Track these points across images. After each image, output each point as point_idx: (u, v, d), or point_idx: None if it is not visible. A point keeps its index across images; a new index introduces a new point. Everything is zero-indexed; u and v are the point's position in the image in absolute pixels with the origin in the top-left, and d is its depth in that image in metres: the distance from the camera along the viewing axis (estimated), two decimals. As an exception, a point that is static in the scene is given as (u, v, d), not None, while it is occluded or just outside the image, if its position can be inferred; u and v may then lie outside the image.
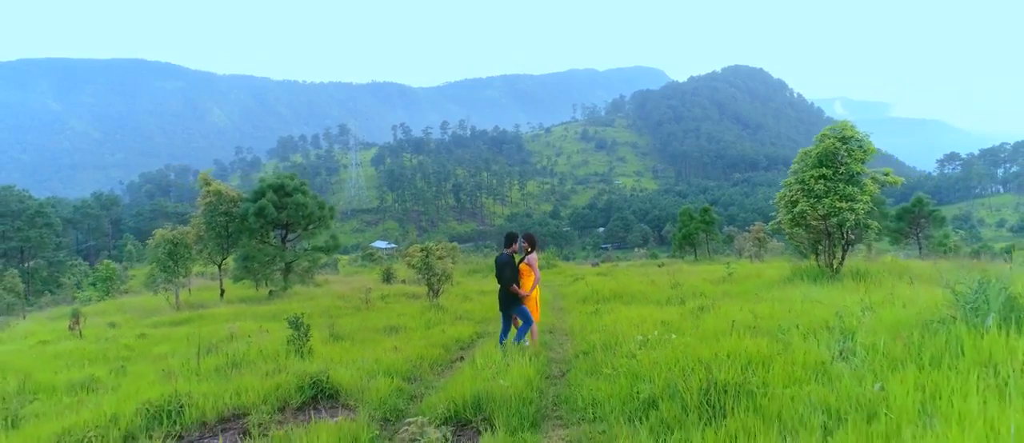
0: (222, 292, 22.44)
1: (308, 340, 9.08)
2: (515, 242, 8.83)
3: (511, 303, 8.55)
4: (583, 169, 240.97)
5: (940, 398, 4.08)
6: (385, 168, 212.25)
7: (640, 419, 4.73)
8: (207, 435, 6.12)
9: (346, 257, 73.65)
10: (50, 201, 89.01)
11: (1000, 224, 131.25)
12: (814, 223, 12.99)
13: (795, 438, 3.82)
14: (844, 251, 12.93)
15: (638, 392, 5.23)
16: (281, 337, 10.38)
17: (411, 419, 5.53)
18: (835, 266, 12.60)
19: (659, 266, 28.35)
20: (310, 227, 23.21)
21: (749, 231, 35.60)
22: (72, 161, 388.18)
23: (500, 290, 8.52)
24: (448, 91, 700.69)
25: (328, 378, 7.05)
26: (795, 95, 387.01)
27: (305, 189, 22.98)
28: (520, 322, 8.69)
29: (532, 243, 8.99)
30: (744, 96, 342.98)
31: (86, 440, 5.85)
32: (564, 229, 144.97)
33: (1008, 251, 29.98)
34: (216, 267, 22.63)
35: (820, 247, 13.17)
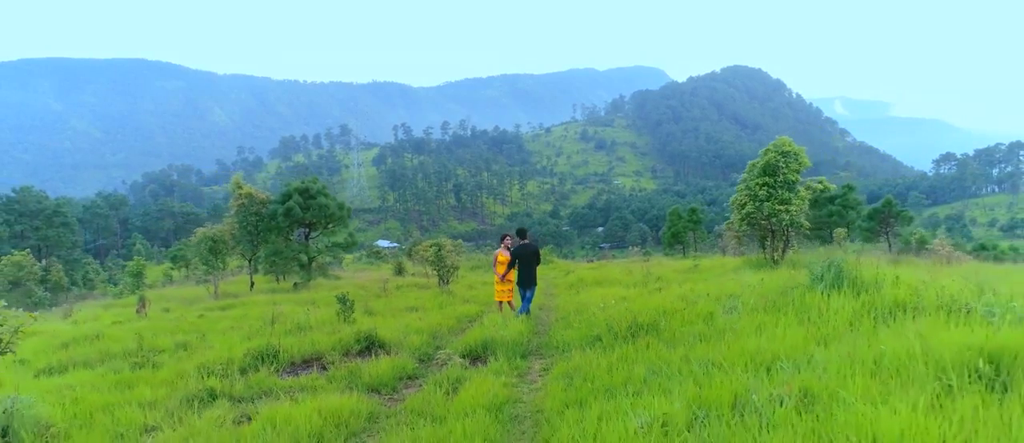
0: (252, 284, 25.13)
1: (353, 312, 11.77)
2: (527, 235, 11.65)
3: (533, 282, 11.22)
4: (583, 169, 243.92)
5: (766, 327, 6.76)
6: (386, 168, 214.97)
7: (590, 346, 7.42)
8: (299, 368, 8.80)
9: (350, 256, 76.28)
10: (61, 201, 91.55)
11: (992, 224, 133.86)
12: (762, 223, 15.68)
13: (675, 346, 6.51)
14: (785, 245, 15.60)
15: (590, 333, 7.95)
16: (324, 313, 13.06)
17: (441, 352, 8.24)
18: (776, 257, 15.28)
19: (644, 261, 30.99)
20: (330, 226, 25.90)
21: (731, 229, 38.22)
22: (74, 161, 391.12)
23: (524, 271, 11.17)
24: (448, 91, 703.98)
25: (376, 334, 9.73)
26: (793, 95, 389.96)
27: (326, 191, 25.70)
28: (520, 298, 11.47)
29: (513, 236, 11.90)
30: (743, 96, 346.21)
31: (216, 370, 8.51)
32: (564, 229, 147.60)
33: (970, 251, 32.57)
34: (247, 261, 25.30)
35: (766, 243, 15.85)
